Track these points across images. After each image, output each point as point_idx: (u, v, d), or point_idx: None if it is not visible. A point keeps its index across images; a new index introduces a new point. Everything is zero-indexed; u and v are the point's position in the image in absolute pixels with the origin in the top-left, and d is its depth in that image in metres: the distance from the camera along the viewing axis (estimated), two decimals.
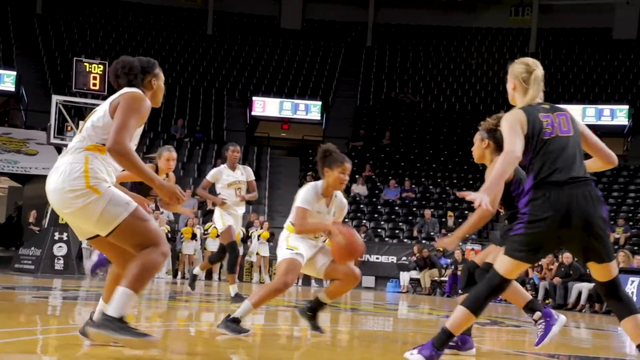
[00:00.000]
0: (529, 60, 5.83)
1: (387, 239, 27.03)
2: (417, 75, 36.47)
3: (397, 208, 28.68)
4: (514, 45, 37.05)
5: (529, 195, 5.36)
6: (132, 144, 5.21)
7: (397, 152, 31.96)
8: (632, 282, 19.25)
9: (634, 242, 25.14)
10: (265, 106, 33.70)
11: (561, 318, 6.41)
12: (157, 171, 10.19)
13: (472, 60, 36.68)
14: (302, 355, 6.88)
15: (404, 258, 25.20)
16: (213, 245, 22.00)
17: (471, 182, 30.27)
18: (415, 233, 26.91)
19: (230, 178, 12.03)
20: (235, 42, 37.26)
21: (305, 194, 7.29)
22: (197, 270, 12.54)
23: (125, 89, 5.33)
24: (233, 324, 7.16)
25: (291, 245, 7.33)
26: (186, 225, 23.64)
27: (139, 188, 9.90)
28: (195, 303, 12.89)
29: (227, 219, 11.88)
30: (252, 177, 12.21)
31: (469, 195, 5.26)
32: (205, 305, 12.82)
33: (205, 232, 23.33)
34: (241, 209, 12.27)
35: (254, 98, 33.78)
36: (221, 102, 34.06)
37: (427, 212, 27.51)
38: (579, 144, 5.49)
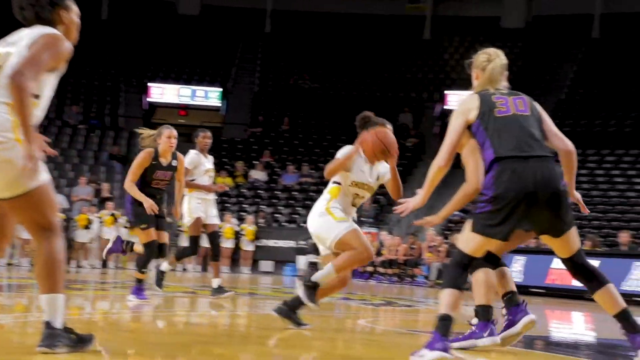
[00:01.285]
0: (491, 50, 5.89)
1: (285, 223, 27.08)
2: (316, 62, 36.51)
3: (295, 193, 28.74)
4: (409, 33, 37.39)
5: (493, 171, 5.38)
6: (43, 88, 4.73)
7: (295, 138, 32.01)
8: (517, 260, 19.80)
9: (579, 224, 25.74)
10: (163, 92, 33.33)
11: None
12: (156, 154, 9.94)
13: (369, 48, 36.97)
14: (200, 342, 6.85)
15: (302, 242, 25.27)
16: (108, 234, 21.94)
17: None
18: None
19: (207, 164, 11.55)
20: (131, 27, 36.60)
21: (345, 151, 7.13)
22: (165, 266, 11.46)
23: (42, 29, 4.77)
24: (310, 289, 7.05)
25: (339, 217, 7.08)
26: (80, 212, 23.05)
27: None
28: (90, 291, 12.71)
29: (195, 209, 11.27)
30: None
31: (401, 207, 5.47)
32: (100, 293, 12.63)
33: (100, 220, 22.97)
34: (212, 195, 11.69)
35: (150, 84, 33.38)
36: (117, 88, 33.56)
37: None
38: (539, 123, 5.58)
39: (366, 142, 6.88)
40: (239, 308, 10.71)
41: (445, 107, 32.96)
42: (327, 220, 7.06)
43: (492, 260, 6.20)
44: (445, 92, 33.32)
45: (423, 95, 34.87)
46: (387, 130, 7.04)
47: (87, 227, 22.74)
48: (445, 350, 5.19)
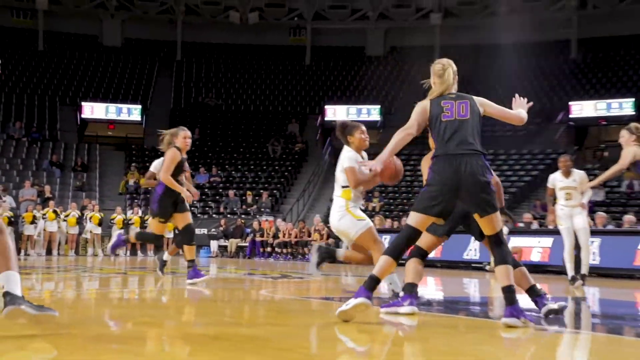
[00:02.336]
0: (444, 60, 5.86)
1: (199, 215, 26.85)
2: (219, 83, 36.32)
3: (206, 190, 28.53)
4: (293, 59, 37.54)
5: (433, 163, 5.51)
6: None
7: (205, 145, 31.74)
8: (386, 238, 20.08)
9: (386, 208, 26.22)
10: (93, 110, 32.69)
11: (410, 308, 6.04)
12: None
13: (262, 71, 36.98)
14: (127, 311, 6.73)
15: (213, 229, 25.21)
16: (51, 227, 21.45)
17: (265, 167, 30.58)
18: (221, 209, 27.02)
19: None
20: (64, 57, 35.73)
21: (350, 156, 6.99)
22: (166, 255, 10.87)
23: None
24: (324, 256, 7.31)
25: (358, 216, 6.99)
26: (27, 211, 22.55)
27: (167, 202, 9.36)
28: (38, 274, 12.34)
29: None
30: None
31: (367, 165, 5.56)
32: (46, 276, 12.28)
33: (44, 216, 22.42)
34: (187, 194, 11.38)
35: (83, 103, 32.69)
36: (54, 107, 32.69)
37: (231, 193, 27.69)
38: (476, 125, 5.57)
39: (389, 169, 6.73)
40: (165, 284, 10.55)
41: (325, 118, 33.21)
42: (349, 219, 7.00)
43: (423, 255, 6.35)
44: (325, 106, 33.59)
45: (306, 109, 35.02)
46: (398, 162, 6.92)
47: (33, 222, 22.19)
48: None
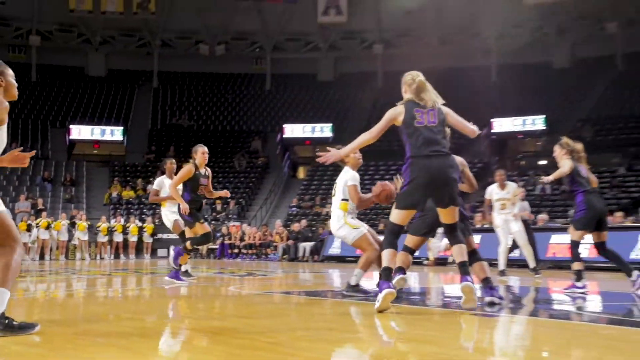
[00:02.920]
0: (414, 72, 5.82)
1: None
2: (191, 107, 36.07)
3: None
4: (255, 85, 37.48)
5: (408, 163, 5.47)
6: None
7: (179, 161, 31.26)
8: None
9: (361, 212, 26.18)
10: (80, 131, 32.22)
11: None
12: (196, 167, 9.17)
13: (228, 95, 36.83)
14: (111, 309, 6.61)
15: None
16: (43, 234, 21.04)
17: (232, 179, 30.40)
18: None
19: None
20: (54, 86, 35.21)
21: (353, 176, 7.14)
22: (185, 266, 10.57)
23: None
24: (354, 289, 6.93)
25: (354, 225, 7.08)
26: (22, 221, 22.13)
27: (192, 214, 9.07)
28: (33, 277, 12.07)
29: (171, 216, 10.56)
30: None
31: (324, 157, 5.54)
32: (39, 278, 12.01)
33: (37, 225, 22.05)
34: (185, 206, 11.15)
35: (71, 126, 32.20)
36: (46, 129, 32.15)
37: (218, 202, 27.47)
38: (443, 131, 5.56)
39: (385, 191, 6.90)
40: (145, 284, 10.40)
41: (284, 136, 33.18)
42: (346, 228, 7.11)
43: (412, 252, 6.52)
44: (284, 125, 33.56)
45: (267, 128, 34.96)
46: (393, 187, 6.95)
47: (27, 231, 21.78)
48: (390, 287, 5.34)
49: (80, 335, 4.32)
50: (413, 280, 10.84)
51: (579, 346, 4.01)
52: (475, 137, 5.86)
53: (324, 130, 32.98)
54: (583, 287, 7.68)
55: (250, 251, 23.20)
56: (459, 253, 5.60)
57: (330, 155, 5.62)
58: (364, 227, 7.15)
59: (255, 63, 37.74)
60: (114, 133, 32.72)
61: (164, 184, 10.68)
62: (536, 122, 30.06)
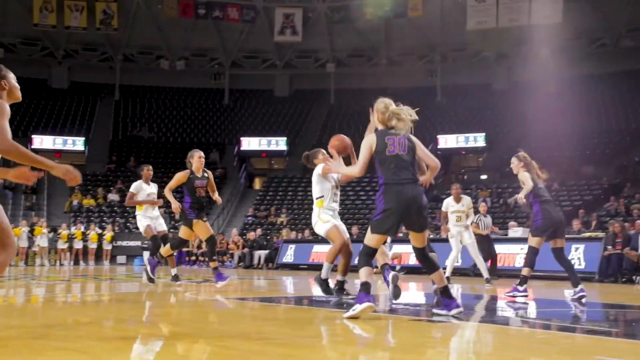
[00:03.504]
0: (387, 100, 5.68)
1: (134, 230, 26.14)
2: (151, 119, 35.60)
3: None
4: (214, 99, 37.26)
5: (382, 190, 5.40)
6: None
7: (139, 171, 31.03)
8: (291, 247, 20.02)
9: (292, 222, 26.18)
10: (43, 141, 31.49)
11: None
12: (192, 171, 9.13)
13: (188, 109, 36.50)
14: (69, 313, 6.43)
15: (145, 242, 24.55)
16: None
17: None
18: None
19: (149, 190, 10.73)
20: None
21: (320, 166, 7.23)
22: (174, 270, 10.63)
23: None
24: (323, 283, 6.98)
25: (324, 219, 7.15)
26: None
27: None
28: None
29: (145, 221, 10.51)
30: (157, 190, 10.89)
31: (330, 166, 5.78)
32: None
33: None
34: (156, 212, 10.86)
35: (33, 136, 31.44)
36: None
37: (161, 211, 26.98)
38: (413, 158, 5.51)
39: (335, 146, 6.79)
40: (104, 289, 10.16)
41: (241, 148, 33.03)
42: (319, 223, 7.22)
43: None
44: (241, 138, 33.41)
45: (225, 141, 34.75)
46: (343, 137, 6.93)
47: None
48: (370, 301, 5.25)
49: (38, 339, 4.18)
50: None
51: (512, 348, 4.06)
52: (437, 171, 5.73)
53: (279, 143, 32.95)
54: (524, 291, 7.80)
55: (207, 259, 22.94)
56: (439, 279, 5.57)
57: (331, 165, 5.91)
58: (333, 221, 7.22)
59: (214, 78, 37.51)
60: (76, 143, 32.12)
61: (142, 189, 10.62)
62: (478, 140, 30.57)
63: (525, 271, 7.95)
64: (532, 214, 8.14)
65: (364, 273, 5.43)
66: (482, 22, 31.98)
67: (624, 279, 13.09)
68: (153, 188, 10.84)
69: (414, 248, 5.60)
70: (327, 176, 7.23)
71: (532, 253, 7.95)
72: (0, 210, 4.01)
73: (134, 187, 10.67)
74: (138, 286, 10.84)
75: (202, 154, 9.45)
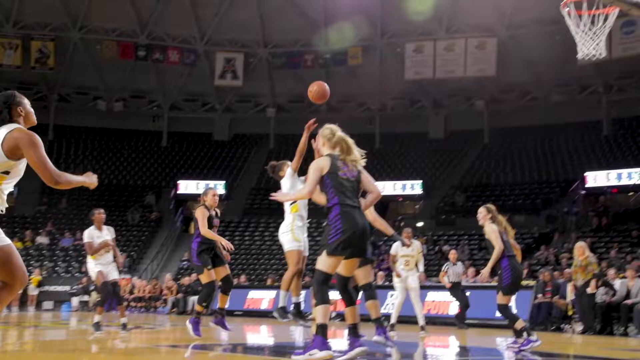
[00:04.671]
0: (333, 126, 5.74)
1: (63, 274, 25.37)
2: (85, 160, 34.72)
3: (70, 252, 27.06)
4: (152, 141, 36.85)
5: (338, 212, 5.31)
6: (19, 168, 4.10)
7: (71, 213, 30.21)
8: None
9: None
10: None
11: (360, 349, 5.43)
12: (207, 208, 8.64)
13: (125, 151, 35.92)
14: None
15: (74, 287, 23.83)
16: None
17: (124, 232, 29.42)
18: (83, 269, 25.59)
19: (104, 236, 10.18)
20: None
21: (288, 175, 7.32)
22: (97, 318, 9.98)
23: (10, 128, 4.15)
24: (281, 311, 6.93)
25: (296, 237, 7.01)
26: None
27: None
28: None
29: (96, 268, 10.06)
30: (114, 236, 10.33)
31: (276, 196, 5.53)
32: None
33: None
34: (110, 258, 10.26)
35: None
36: None
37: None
38: (358, 186, 5.52)
39: (314, 91, 6.93)
40: (28, 337, 9.74)
41: (178, 191, 32.64)
42: (289, 236, 7.18)
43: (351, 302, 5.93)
44: (178, 181, 33.03)
45: (162, 183, 34.30)
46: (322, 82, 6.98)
47: None
48: (329, 349, 5.04)
49: None
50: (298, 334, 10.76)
51: None
52: (377, 199, 5.83)
53: (217, 187, 32.67)
54: (536, 341, 7.51)
55: (139, 304, 22.37)
56: (353, 315, 5.56)
57: (282, 196, 5.77)
58: (301, 245, 7.17)
59: (153, 120, 37.16)
60: None
61: (95, 236, 10.14)
62: (415, 187, 31.13)
63: (519, 324, 7.70)
64: (500, 269, 7.96)
65: (321, 313, 5.16)
66: (420, 73, 32.93)
67: (552, 327, 13.41)
68: (106, 234, 10.31)
69: (339, 276, 5.48)
70: (299, 179, 7.28)
71: (505, 308, 7.83)
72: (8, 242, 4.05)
73: (87, 236, 10.17)
74: (65, 333, 10.46)
75: (216, 191, 9.05)
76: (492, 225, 8.02)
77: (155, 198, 32.70)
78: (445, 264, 13.85)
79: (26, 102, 4.39)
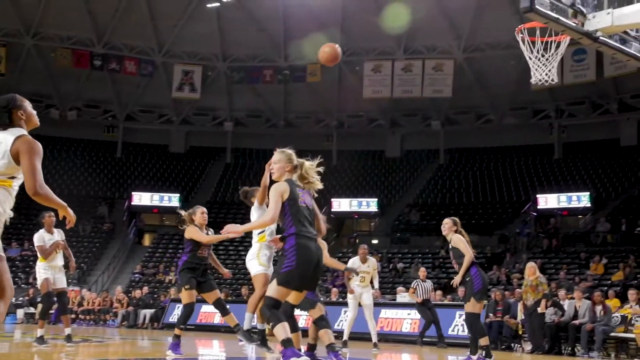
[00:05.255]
0: (288, 151, 5.61)
1: None
2: (45, 173, 34.06)
3: (17, 262, 26.39)
4: (106, 152, 36.28)
5: (294, 242, 5.17)
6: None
7: (19, 222, 29.41)
8: (178, 307, 19.52)
9: None
10: None
11: None
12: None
13: (78, 160, 35.28)
14: None
15: (20, 298, 23.17)
16: None
17: (74, 243, 28.83)
18: (30, 280, 24.98)
19: (55, 238, 9.90)
20: None
21: (255, 207, 7.28)
22: (40, 332, 9.50)
23: (17, 134, 4.15)
24: (247, 333, 6.86)
25: (262, 262, 7.05)
26: None
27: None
28: None
29: (43, 274, 9.71)
30: (64, 238, 10.03)
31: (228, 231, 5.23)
32: None
33: None
34: (60, 262, 10.00)
35: None
36: None
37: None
38: (313, 215, 5.47)
39: (326, 52, 6.53)
40: None
41: (132, 203, 32.16)
42: (255, 262, 7.25)
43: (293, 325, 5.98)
44: (132, 192, 32.57)
45: (115, 195, 33.78)
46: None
47: None
48: (299, 355, 4.98)
49: None
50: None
51: None
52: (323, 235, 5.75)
53: (172, 200, 32.38)
54: None
55: (88, 317, 21.90)
56: (326, 336, 5.67)
57: (231, 229, 5.37)
58: (268, 269, 7.19)
59: (107, 131, 36.65)
60: None
61: (45, 239, 9.90)
62: (370, 205, 31.37)
63: (483, 341, 7.75)
64: (469, 276, 8.03)
65: (281, 331, 5.04)
66: (378, 92, 33.31)
67: (503, 346, 13.63)
68: (57, 236, 10.07)
69: (287, 303, 5.40)
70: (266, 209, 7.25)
71: (477, 319, 7.88)
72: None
73: (38, 239, 9.90)
74: (7, 347, 10.19)
75: (204, 209, 8.60)
76: (458, 235, 8.22)
77: (108, 209, 32.18)
78: (415, 281, 14.00)
79: (27, 104, 4.36)
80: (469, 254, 8.06)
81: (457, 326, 13.53)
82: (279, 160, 5.56)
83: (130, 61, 34.09)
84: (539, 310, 12.67)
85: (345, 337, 11.36)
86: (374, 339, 11.46)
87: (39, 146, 4.23)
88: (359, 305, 11.51)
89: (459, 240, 8.15)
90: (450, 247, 8.38)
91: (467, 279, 8.08)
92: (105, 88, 35.03)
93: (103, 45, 33.45)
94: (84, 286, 25.46)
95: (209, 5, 31.35)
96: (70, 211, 4.39)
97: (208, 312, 18.34)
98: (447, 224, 8.43)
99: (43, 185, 4.16)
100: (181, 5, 32.31)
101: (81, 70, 33.98)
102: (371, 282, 11.63)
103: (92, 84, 34.73)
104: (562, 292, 14.09)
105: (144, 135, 36.49)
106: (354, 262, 11.60)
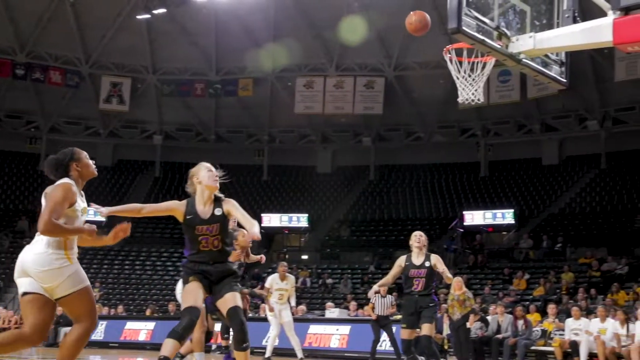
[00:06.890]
0: (206, 164, 5.58)
1: None
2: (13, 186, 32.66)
3: None
4: (28, 164, 34.97)
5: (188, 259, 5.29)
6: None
7: None
8: (103, 324, 18.94)
9: (105, 297, 24.85)
10: None
11: None
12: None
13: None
14: None
15: None
16: None
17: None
18: None
19: None
20: None
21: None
22: None
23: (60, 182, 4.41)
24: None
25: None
26: None
27: None
28: None
29: None
30: None
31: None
32: None
33: None
34: None
35: None
36: None
37: None
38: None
39: (415, 21, 6.12)
40: None
41: None
42: (179, 286, 7.15)
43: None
44: None
45: (37, 208, 32.44)
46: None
47: None
48: None
49: None
50: None
51: None
52: (258, 235, 5.61)
53: (97, 214, 31.49)
54: None
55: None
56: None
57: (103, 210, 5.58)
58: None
59: (30, 142, 35.40)
60: None
61: None
62: (301, 220, 31.40)
63: None
64: (433, 302, 8.16)
65: (168, 346, 5.05)
66: (310, 108, 33.51)
67: None
68: None
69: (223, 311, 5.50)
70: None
71: (432, 343, 7.99)
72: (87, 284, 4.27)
73: None
74: None
75: (244, 231, 7.20)
76: (434, 256, 8.50)
77: (29, 224, 31.00)
78: (375, 296, 13.86)
79: (84, 156, 4.68)
80: (447, 273, 8.34)
81: (384, 341, 13.65)
82: (202, 172, 5.60)
83: (56, 71, 33.13)
84: (468, 324, 12.93)
85: (268, 354, 11.33)
86: (299, 354, 11.48)
87: (64, 192, 4.53)
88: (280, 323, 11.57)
89: (438, 259, 8.47)
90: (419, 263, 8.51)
91: (430, 304, 8.24)
92: (29, 98, 33.88)
93: (26, 55, 32.40)
94: (1, 304, 24.42)
95: (138, 17, 30.86)
96: (91, 227, 4.45)
97: (133, 329, 17.89)
98: (422, 237, 8.67)
99: (51, 222, 4.39)
100: (110, 16, 31.68)
101: (2, 79, 32.77)
102: (288, 300, 11.66)
103: (14, 93, 33.53)
104: (492, 307, 14.43)
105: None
106: (273, 279, 11.62)
